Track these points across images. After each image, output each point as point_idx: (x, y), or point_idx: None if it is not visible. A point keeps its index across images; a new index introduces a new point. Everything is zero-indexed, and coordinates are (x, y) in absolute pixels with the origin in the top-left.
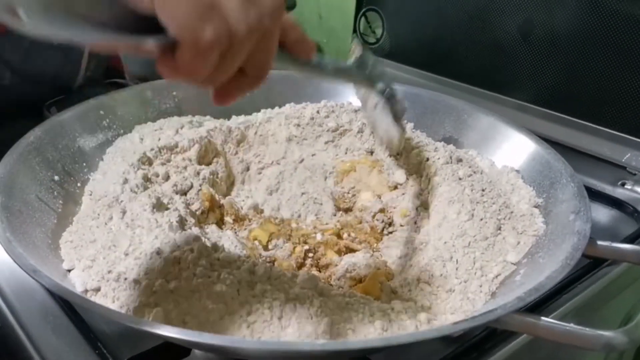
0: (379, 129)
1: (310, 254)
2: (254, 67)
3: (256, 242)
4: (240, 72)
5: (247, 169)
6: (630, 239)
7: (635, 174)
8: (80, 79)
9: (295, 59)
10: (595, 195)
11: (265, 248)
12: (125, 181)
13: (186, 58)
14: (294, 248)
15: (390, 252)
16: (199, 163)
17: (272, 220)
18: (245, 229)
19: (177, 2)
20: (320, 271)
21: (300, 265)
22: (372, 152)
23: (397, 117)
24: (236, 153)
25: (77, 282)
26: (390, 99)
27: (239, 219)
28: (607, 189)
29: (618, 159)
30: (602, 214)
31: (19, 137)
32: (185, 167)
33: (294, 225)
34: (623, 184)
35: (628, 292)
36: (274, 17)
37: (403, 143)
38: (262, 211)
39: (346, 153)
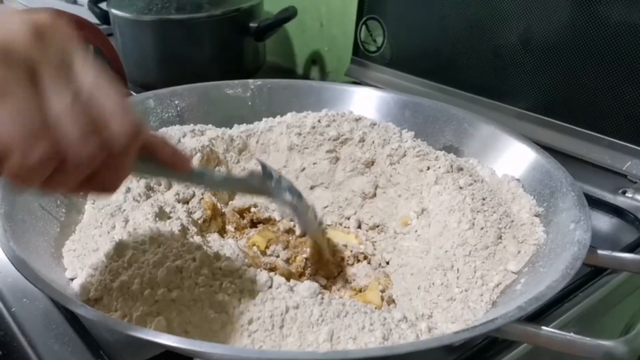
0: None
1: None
2: (100, 184)
3: (255, 248)
4: (88, 181)
5: None
6: (631, 247)
7: (635, 182)
8: None
9: (172, 171)
10: (596, 204)
11: (264, 253)
12: (128, 190)
13: (12, 171)
14: (295, 257)
15: (391, 261)
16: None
17: (269, 228)
18: (245, 236)
19: (7, 117)
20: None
21: (301, 274)
22: (372, 162)
23: (305, 230)
24: (238, 162)
25: (80, 291)
26: (296, 211)
27: (241, 228)
28: (608, 197)
29: (619, 167)
30: (603, 222)
31: None
32: None
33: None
34: (624, 192)
35: (629, 301)
36: (122, 144)
37: (326, 249)
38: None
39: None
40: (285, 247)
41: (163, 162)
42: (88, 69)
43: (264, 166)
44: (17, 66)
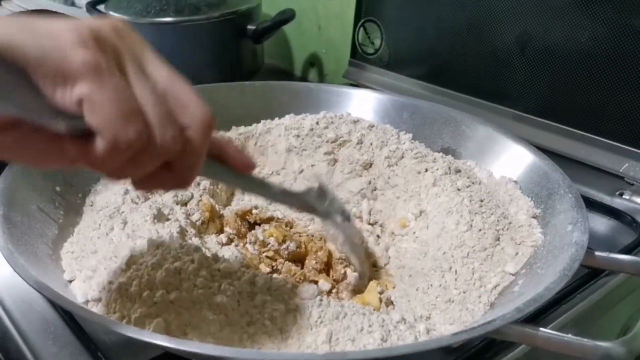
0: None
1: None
2: (177, 175)
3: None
4: (166, 169)
5: None
6: (628, 249)
7: (633, 184)
8: None
9: (235, 173)
10: (594, 206)
11: (281, 244)
12: (126, 192)
13: (99, 151)
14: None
15: (390, 263)
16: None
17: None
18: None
19: (106, 100)
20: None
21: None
22: (370, 164)
23: (354, 244)
24: None
25: (78, 293)
26: (344, 233)
27: (241, 235)
28: (605, 199)
29: (616, 169)
30: (601, 224)
31: None
32: None
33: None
34: (621, 194)
35: (626, 303)
36: (200, 133)
37: (367, 269)
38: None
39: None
40: (298, 247)
41: (228, 163)
42: (161, 65)
43: (320, 185)
44: (108, 52)
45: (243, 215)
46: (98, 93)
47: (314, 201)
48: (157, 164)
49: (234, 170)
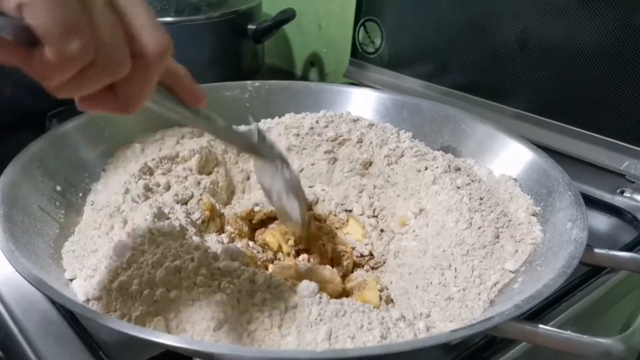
0: (292, 215)
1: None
2: (123, 96)
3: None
4: (112, 91)
5: (248, 178)
6: (629, 247)
7: (634, 182)
8: None
9: (183, 105)
10: (594, 203)
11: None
12: (127, 191)
13: (41, 61)
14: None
15: (389, 261)
16: (200, 173)
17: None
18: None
19: (49, 5)
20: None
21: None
22: (370, 163)
23: (293, 189)
24: (236, 163)
25: (79, 292)
26: (284, 170)
27: (243, 235)
28: (606, 196)
29: (617, 167)
30: (601, 221)
31: (21, 149)
32: (186, 177)
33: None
34: (622, 192)
35: (627, 300)
36: (153, 59)
37: (306, 217)
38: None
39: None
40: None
41: (179, 94)
42: None
43: (259, 130)
44: None
45: (246, 217)
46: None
47: (258, 141)
48: (102, 85)
49: (183, 101)
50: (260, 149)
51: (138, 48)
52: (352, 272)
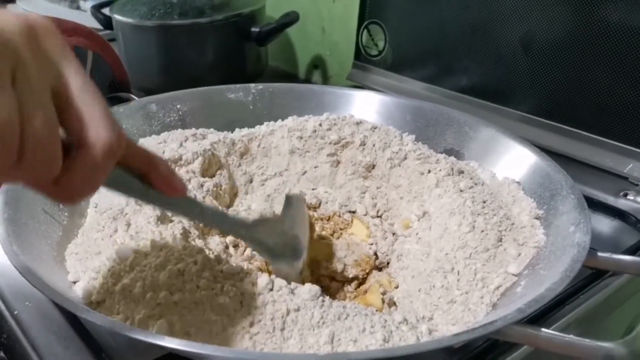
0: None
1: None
2: (64, 189)
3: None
4: (57, 184)
5: (250, 181)
6: (632, 250)
7: (637, 185)
8: None
9: (161, 196)
10: (598, 206)
11: None
12: None
13: None
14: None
15: (392, 264)
16: (203, 175)
17: None
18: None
19: None
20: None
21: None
22: (373, 166)
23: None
24: (239, 165)
25: (82, 294)
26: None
27: None
28: (610, 199)
29: (620, 170)
30: (605, 224)
31: None
32: (189, 180)
33: None
34: (625, 195)
35: (630, 304)
36: (95, 153)
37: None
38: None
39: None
40: None
41: (154, 183)
42: (77, 74)
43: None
44: (6, 57)
45: None
46: None
47: (262, 235)
48: (43, 175)
49: (160, 190)
50: (266, 241)
51: (83, 139)
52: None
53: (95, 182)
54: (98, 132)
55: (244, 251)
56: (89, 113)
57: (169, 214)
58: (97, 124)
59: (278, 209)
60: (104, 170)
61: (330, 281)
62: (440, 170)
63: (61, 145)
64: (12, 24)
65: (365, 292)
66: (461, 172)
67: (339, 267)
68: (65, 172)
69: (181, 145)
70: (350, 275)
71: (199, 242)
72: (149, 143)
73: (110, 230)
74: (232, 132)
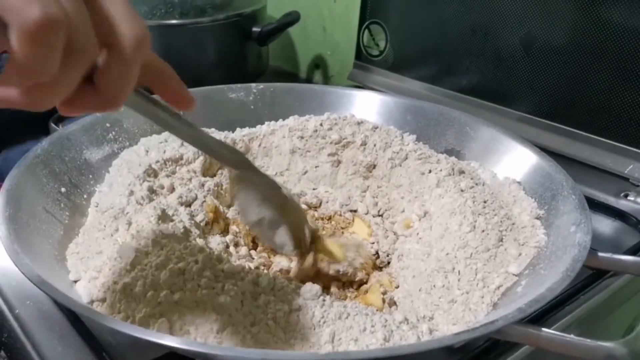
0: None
1: None
2: (104, 89)
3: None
4: (91, 87)
5: None
6: (633, 251)
7: (638, 186)
8: None
9: (166, 109)
10: (598, 207)
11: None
12: (131, 193)
13: (19, 45)
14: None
15: (393, 264)
16: (204, 175)
17: None
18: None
19: None
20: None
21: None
22: (374, 166)
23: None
24: None
25: (83, 293)
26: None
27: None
28: (610, 200)
29: (621, 171)
30: (605, 225)
31: (24, 154)
32: (190, 179)
33: None
34: (626, 196)
35: (630, 304)
36: (130, 47)
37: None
38: None
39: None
40: None
41: (164, 94)
42: None
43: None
44: None
45: None
46: None
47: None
48: (82, 68)
49: (170, 103)
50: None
51: (113, 38)
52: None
53: (132, 78)
54: (127, 27)
55: (254, 246)
56: (115, 10)
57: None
58: (125, 20)
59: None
60: (137, 64)
61: (330, 281)
62: (441, 170)
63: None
64: None
65: (366, 292)
66: (462, 172)
67: (349, 270)
68: (102, 73)
69: (182, 144)
70: (357, 279)
71: (199, 242)
72: (151, 142)
73: (111, 229)
74: (233, 132)
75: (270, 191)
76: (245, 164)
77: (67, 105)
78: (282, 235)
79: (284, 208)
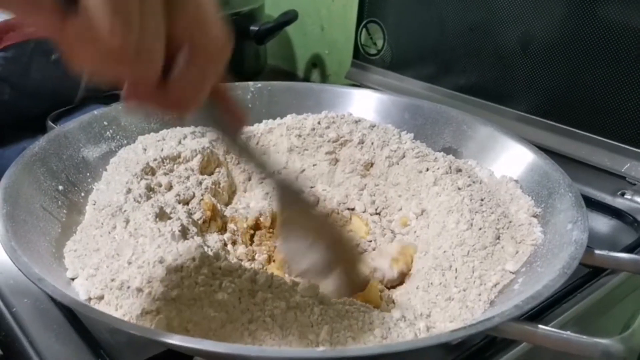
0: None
1: None
2: (177, 92)
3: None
4: (164, 89)
5: (249, 178)
6: (629, 249)
7: (634, 184)
8: (81, 92)
9: (223, 123)
10: (595, 205)
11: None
12: (129, 191)
13: (74, 30)
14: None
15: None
16: (201, 173)
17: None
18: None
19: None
20: None
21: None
22: (372, 164)
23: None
24: (238, 163)
25: (81, 291)
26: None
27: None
28: (607, 198)
29: (618, 169)
30: (602, 223)
31: (21, 152)
32: (187, 177)
33: None
34: (623, 194)
35: (627, 301)
36: (218, 47)
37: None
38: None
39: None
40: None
41: (225, 108)
42: None
43: None
44: None
45: (256, 226)
46: None
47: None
48: (125, 75)
49: (225, 118)
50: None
51: (201, 38)
52: None
53: (208, 82)
54: (212, 33)
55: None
56: (206, 10)
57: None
58: (211, 25)
59: (276, 206)
60: (214, 74)
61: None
62: (438, 168)
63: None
64: None
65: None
66: (459, 170)
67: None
68: (179, 74)
69: (180, 142)
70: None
71: (197, 239)
72: (148, 140)
73: (108, 227)
74: None
75: (319, 226)
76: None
77: (133, 95)
78: (335, 282)
79: (335, 248)
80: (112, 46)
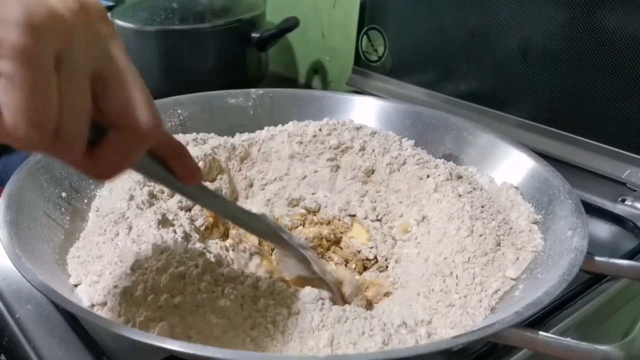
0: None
1: None
2: (100, 163)
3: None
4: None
5: (251, 185)
6: (630, 255)
7: (635, 190)
8: None
9: (168, 177)
10: (596, 212)
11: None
12: (131, 198)
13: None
14: None
15: (391, 267)
16: (204, 180)
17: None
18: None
19: (17, 94)
20: None
21: None
22: (373, 171)
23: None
24: (240, 170)
25: (84, 297)
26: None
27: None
28: (608, 205)
29: (618, 176)
30: (603, 230)
31: (25, 159)
32: None
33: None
34: (623, 200)
35: (628, 308)
36: (144, 131)
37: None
38: None
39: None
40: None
41: (173, 166)
42: (122, 57)
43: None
44: (54, 41)
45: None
46: (11, 82)
47: (275, 225)
48: (81, 145)
49: (177, 176)
50: (281, 232)
51: (130, 121)
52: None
53: (128, 163)
54: (139, 116)
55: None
56: (131, 96)
57: (191, 202)
58: (138, 107)
59: (278, 212)
60: (139, 153)
61: None
62: (439, 175)
63: (94, 125)
64: (67, 5)
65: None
66: (460, 177)
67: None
68: (102, 151)
69: None
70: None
71: (199, 246)
72: None
73: (111, 233)
74: (232, 137)
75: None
76: (272, 234)
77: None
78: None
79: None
80: (27, 140)
